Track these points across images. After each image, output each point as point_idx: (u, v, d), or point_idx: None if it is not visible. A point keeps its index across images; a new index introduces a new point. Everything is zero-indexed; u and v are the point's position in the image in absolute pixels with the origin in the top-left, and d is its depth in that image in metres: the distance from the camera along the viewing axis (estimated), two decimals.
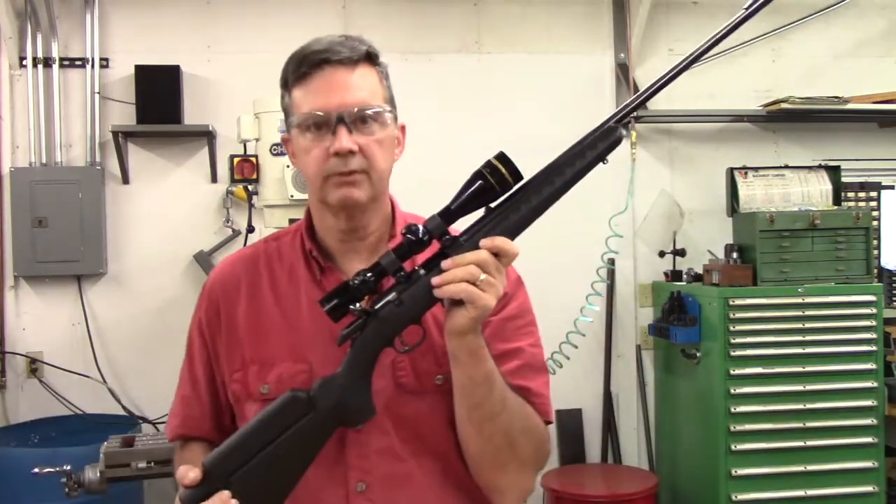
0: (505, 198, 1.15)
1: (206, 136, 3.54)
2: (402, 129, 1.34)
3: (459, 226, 1.18)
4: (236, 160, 2.90)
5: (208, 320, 1.34)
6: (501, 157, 1.13)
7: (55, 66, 3.51)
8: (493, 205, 1.16)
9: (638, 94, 1.19)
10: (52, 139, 3.52)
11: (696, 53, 1.17)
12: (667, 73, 1.18)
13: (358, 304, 1.14)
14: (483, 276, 1.09)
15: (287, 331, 1.29)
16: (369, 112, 1.23)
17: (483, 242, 1.11)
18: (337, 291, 1.15)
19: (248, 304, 1.32)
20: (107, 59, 3.58)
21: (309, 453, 1.17)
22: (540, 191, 1.15)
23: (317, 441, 1.17)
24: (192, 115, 3.55)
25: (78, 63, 3.55)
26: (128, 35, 3.60)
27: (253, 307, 1.31)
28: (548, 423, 1.31)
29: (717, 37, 1.16)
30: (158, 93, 3.48)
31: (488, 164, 1.13)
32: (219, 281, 1.36)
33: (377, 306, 1.15)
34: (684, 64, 1.17)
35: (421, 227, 1.14)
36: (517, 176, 1.13)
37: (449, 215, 1.15)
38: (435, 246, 1.16)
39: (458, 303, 1.11)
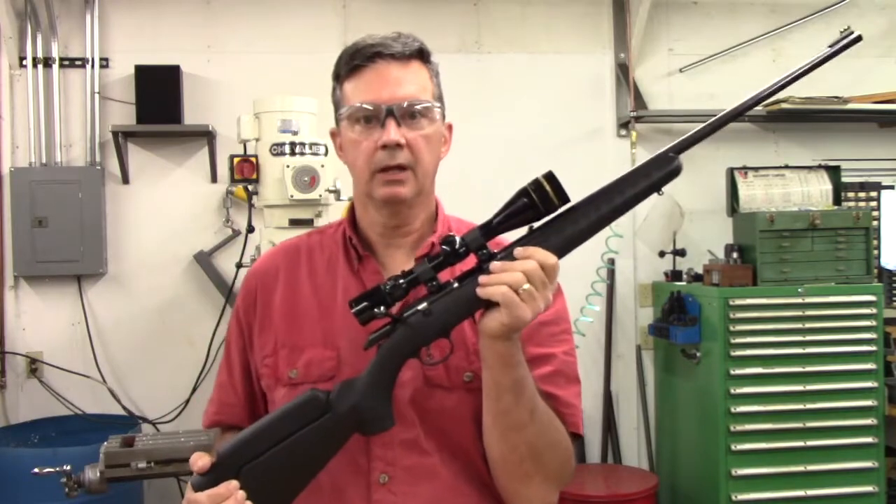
0: (549, 219, 1.13)
1: (206, 136, 3.54)
2: (450, 127, 1.33)
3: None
4: (236, 160, 2.90)
5: (245, 309, 1.35)
6: (549, 176, 1.10)
7: (55, 66, 3.51)
8: (535, 225, 1.13)
9: (714, 118, 1.17)
10: (52, 139, 3.52)
11: (793, 75, 1.21)
12: (761, 92, 1.19)
13: (383, 308, 1.13)
14: (526, 286, 1.07)
15: (320, 317, 1.29)
16: (418, 107, 1.23)
17: (518, 251, 1.09)
18: (367, 294, 1.14)
19: (284, 291, 1.32)
20: (107, 59, 3.58)
21: (322, 455, 1.16)
22: (587, 214, 1.12)
23: (330, 444, 1.16)
24: (192, 115, 3.55)
25: (78, 63, 3.55)
26: (128, 35, 3.60)
27: (289, 294, 1.32)
28: (577, 436, 1.28)
29: (816, 62, 1.21)
30: (158, 93, 3.48)
31: (535, 181, 1.10)
32: (258, 271, 1.37)
33: (406, 314, 1.14)
34: (778, 85, 1.19)
35: (458, 239, 1.12)
36: (563, 197, 1.10)
37: (489, 230, 1.13)
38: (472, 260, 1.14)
39: (495, 305, 1.09)
